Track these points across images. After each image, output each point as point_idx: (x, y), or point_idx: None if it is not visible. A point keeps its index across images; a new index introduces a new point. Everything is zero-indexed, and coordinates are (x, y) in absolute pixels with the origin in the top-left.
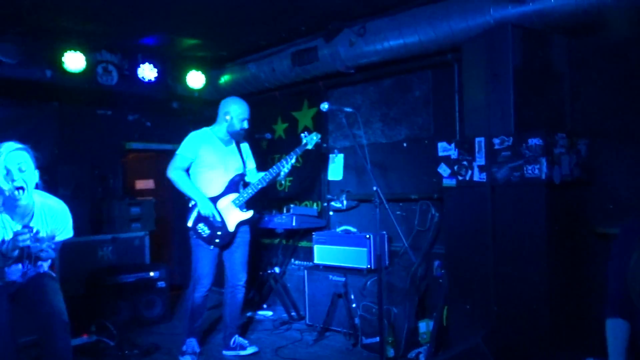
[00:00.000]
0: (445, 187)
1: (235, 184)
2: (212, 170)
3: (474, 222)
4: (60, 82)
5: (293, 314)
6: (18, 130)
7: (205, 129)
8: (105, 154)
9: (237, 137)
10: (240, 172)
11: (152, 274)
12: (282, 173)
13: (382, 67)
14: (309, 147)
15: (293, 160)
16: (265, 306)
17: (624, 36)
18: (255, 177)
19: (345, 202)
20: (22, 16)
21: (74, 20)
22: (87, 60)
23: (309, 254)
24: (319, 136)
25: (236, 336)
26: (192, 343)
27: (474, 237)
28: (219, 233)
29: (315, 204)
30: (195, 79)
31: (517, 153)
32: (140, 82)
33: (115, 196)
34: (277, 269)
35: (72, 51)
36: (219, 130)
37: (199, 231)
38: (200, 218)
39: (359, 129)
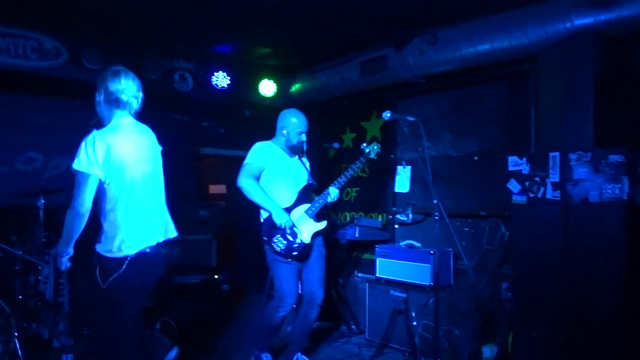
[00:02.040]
0: (514, 204)
1: (306, 194)
2: (282, 181)
3: (545, 243)
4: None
5: (353, 327)
6: None
7: (269, 142)
8: (179, 158)
9: (296, 152)
10: (307, 181)
11: (217, 276)
12: (345, 178)
13: (453, 76)
14: (372, 156)
15: (359, 170)
16: (326, 317)
17: None
18: (324, 189)
19: (410, 216)
20: (106, 25)
21: (153, 29)
22: (164, 67)
23: (371, 266)
24: (379, 146)
25: (299, 354)
26: (268, 358)
27: (544, 259)
28: (295, 245)
29: (380, 216)
30: (267, 87)
31: (595, 170)
32: (214, 89)
33: (186, 199)
34: (339, 280)
35: (152, 58)
36: (280, 143)
37: (276, 244)
38: (274, 231)
39: (425, 140)
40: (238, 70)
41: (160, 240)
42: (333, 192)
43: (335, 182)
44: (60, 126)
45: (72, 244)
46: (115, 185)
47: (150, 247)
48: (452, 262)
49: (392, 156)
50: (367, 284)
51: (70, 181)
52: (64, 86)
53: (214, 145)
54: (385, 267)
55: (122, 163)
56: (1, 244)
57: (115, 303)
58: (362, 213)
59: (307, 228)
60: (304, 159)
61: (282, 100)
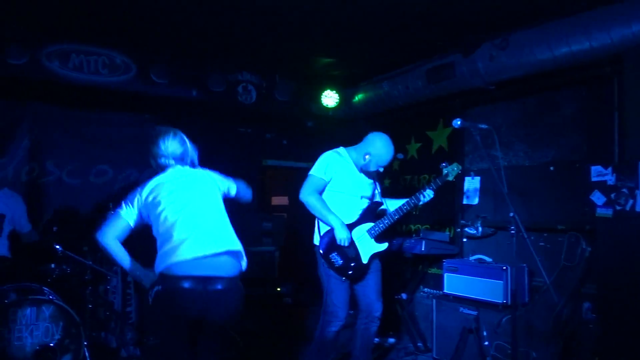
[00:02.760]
0: (599, 218)
1: (371, 213)
2: (346, 196)
3: (634, 261)
4: (204, 100)
5: (419, 344)
6: None
7: (341, 149)
8: (243, 170)
9: (367, 175)
10: (376, 199)
11: (279, 289)
12: (422, 203)
13: (526, 82)
14: (450, 178)
15: (431, 194)
16: (391, 333)
17: None
18: (391, 207)
19: (480, 229)
20: (173, 39)
21: (218, 42)
22: (228, 80)
23: (438, 282)
24: (460, 168)
25: None
26: None
27: (634, 278)
28: (352, 264)
29: (447, 229)
30: (330, 98)
31: None
32: (277, 100)
33: (250, 210)
34: (404, 296)
35: (216, 71)
36: (355, 156)
37: (332, 260)
38: (333, 246)
39: (497, 150)
40: (300, 82)
41: (210, 252)
42: (394, 215)
43: (404, 203)
44: (129, 140)
45: (130, 268)
46: (162, 215)
47: (192, 268)
48: (527, 279)
49: (460, 166)
50: (434, 300)
51: None
52: (132, 100)
53: (277, 157)
54: (454, 283)
55: (167, 196)
56: (73, 254)
57: (159, 322)
58: (428, 226)
59: (366, 248)
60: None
61: (344, 111)
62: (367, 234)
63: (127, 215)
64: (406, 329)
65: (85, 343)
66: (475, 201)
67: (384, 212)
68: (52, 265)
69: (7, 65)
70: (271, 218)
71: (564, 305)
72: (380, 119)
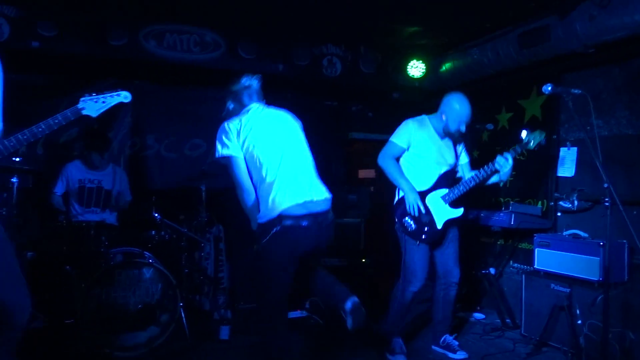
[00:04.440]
0: None
1: (446, 179)
2: (423, 162)
3: None
4: (290, 75)
5: (507, 320)
6: None
7: (423, 117)
8: (329, 143)
9: (452, 138)
10: (452, 166)
11: (364, 260)
12: (503, 172)
13: (630, 44)
14: (531, 146)
15: (510, 159)
16: (478, 308)
17: None
18: (468, 174)
19: (576, 203)
20: (259, 15)
21: (302, 16)
22: (313, 53)
23: (529, 257)
24: (543, 135)
25: (446, 336)
26: (399, 342)
27: None
28: (426, 229)
29: (539, 203)
30: (416, 68)
31: None
32: (362, 72)
33: (336, 183)
34: (492, 270)
35: (301, 45)
36: (436, 122)
37: (405, 225)
38: (407, 211)
39: (593, 117)
40: (386, 52)
41: (313, 197)
42: (470, 182)
43: (480, 169)
44: (220, 115)
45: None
46: (259, 157)
47: (304, 209)
48: (626, 256)
49: (555, 137)
50: (523, 276)
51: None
52: (222, 76)
53: (363, 129)
54: (546, 259)
55: (260, 137)
56: (171, 222)
57: (268, 267)
58: (518, 199)
59: (441, 214)
60: (462, 147)
61: (432, 81)
62: (441, 199)
63: (237, 151)
64: (494, 305)
65: (181, 304)
66: (571, 173)
67: (460, 179)
68: (152, 232)
69: (109, 47)
70: (356, 190)
71: None
72: (468, 88)
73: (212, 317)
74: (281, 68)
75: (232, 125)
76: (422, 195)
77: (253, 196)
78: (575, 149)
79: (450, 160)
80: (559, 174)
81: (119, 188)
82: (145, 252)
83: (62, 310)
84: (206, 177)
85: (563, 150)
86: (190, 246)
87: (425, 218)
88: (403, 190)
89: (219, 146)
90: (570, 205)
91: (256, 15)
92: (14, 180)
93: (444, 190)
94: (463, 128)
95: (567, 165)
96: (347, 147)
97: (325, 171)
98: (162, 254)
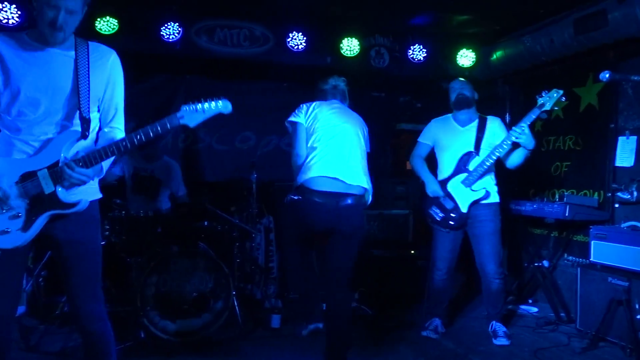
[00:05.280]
0: None
1: (463, 164)
2: (445, 153)
3: None
4: (338, 67)
5: (562, 314)
6: None
7: (447, 115)
8: (376, 134)
9: (457, 108)
10: (467, 150)
11: (413, 252)
12: (523, 143)
13: None
14: (547, 107)
15: (526, 129)
16: (530, 301)
17: None
18: (490, 151)
19: (635, 194)
20: (307, 8)
21: (349, 8)
22: (361, 45)
23: (584, 249)
24: (561, 93)
25: (494, 322)
26: (435, 322)
27: None
28: (452, 215)
29: (595, 194)
30: (466, 58)
31: None
32: (411, 63)
33: (384, 174)
34: (545, 263)
35: (349, 38)
36: (453, 114)
37: (433, 214)
38: (432, 201)
39: None
40: (434, 42)
41: (345, 179)
42: (487, 161)
43: (490, 153)
44: (269, 107)
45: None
46: (317, 131)
47: (329, 184)
48: None
49: (612, 125)
50: (579, 269)
51: (279, 159)
52: (271, 69)
53: (411, 120)
54: (602, 251)
55: (325, 118)
56: (222, 213)
57: (286, 222)
58: (574, 190)
59: (464, 198)
60: (493, 122)
61: (482, 71)
62: (461, 184)
63: (302, 120)
64: (548, 298)
65: (233, 293)
66: (630, 163)
67: (477, 161)
68: (205, 223)
69: (163, 43)
70: (405, 182)
71: None
72: (520, 76)
73: (263, 305)
74: (329, 60)
75: (307, 104)
76: (444, 182)
77: (301, 160)
78: (634, 137)
79: (468, 145)
80: (617, 164)
81: (172, 179)
82: (199, 243)
83: (120, 298)
84: (256, 169)
85: (621, 140)
86: (242, 237)
87: (449, 204)
88: (425, 182)
89: (291, 116)
90: (629, 197)
91: (304, 9)
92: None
93: (464, 175)
94: (460, 96)
95: (625, 154)
96: (395, 138)
97: (372, 162)
98: (214, 244)
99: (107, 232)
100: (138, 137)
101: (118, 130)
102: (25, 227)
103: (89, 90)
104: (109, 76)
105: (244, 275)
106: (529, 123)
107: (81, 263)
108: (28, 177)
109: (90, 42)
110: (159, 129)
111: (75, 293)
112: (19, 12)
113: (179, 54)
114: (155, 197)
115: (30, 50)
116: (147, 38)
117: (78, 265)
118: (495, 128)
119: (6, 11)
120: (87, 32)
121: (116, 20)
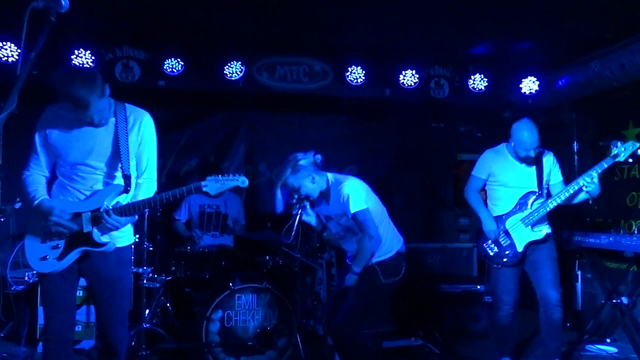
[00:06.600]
0: None
1: (524, 202)
2: (501, 188)
3: None
4: (397, 99)
5: None
6: (363, 144)
7: (501, 146)
8: (436, 165)
9: (525, 162)
10: (531, 189)
11: (479, 287)
12: (588, 190)
13: None
14: (620, 159)
15: (595, 178)
16: (608, 340)
17: None
18: (555, 194)
19: None
20: (366, 42)
21: (411, 40)
22: (420, 76)
23: None
24: (637, 145)
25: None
26: None
27: None
28: (507, 252)
29: None
30: (528, 85)
31: None
32: (471, 92)
33: (445, 206)
34: (624, 299)
35: (407, 70)
36: (510, 149)
37: (486, 249)
38: (486, 237)
39: None
40: (496, 71)
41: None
42: (550, 204)
43: (555, 195)
44: (329, 140)
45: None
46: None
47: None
48: None
49: None
50: None
51: None
52: (330, 103)
53: (471, 150)
54: None
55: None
56: (285, 247)
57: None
58: None
59: (521, 237)
60: (548, 157)
61: (547, 97)
62: (521, 222)
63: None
64: (628, 337)
65: (297, 329)
66: None
67: (540, 201)
68: (267, 257)
69: (227, 82)
70: (468, 213)
71: None
72: (588, 102)
73: (326, 342)
74: (388, 92)
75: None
76: (501, 219)
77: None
78: None
79: (531, 183)
80: None
81: (235, 213)
82: (263, 278)
83: (185, 333)
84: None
85: None
86: (303, 271)
87: (505, 241)
88: (481, 219)
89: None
90: None
91: (363, 42)
92: (145, 210)
93: (524, 213)
94: (532, 153)
95: None
96: (455, 169)
97: (431, 194)
98: (276, 278)
99: (173, 267)
100: (166, 197)
101: (148, 180)
102: (61, 257)
103: (128, 151)
104: (142, 136)
105: (305, 310)
106: (599, 172)
107: (108, 298)
108: (75, 217)
109: (126, 105)
110: (184, 192)
111: (102, 319)
112: (18, 50)
113: (241, 91)
114: (220, 230)
115: (77, 127)
116: (211, 77)
117: (108, 299)
118: (549, 165)
119: (6, 49)
120: (156, 75)
121: (183, 62)
